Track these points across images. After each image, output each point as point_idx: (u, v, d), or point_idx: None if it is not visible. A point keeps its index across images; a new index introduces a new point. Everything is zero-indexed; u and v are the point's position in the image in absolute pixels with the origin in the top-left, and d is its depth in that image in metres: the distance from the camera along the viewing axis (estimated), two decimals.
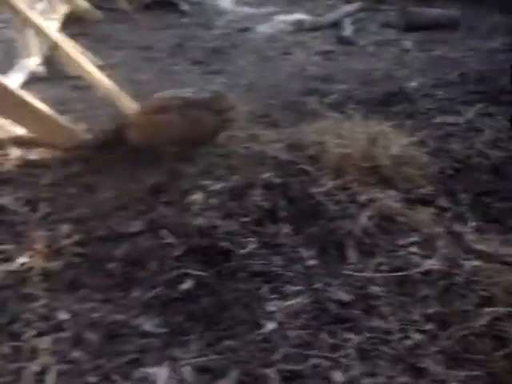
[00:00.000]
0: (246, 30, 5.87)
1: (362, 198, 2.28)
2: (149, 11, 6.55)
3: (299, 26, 5.90)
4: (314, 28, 5.86)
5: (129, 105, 3.17)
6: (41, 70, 4.39)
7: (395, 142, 2.64)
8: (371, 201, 2.25)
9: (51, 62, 4.47)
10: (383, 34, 5.57)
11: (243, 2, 7.22)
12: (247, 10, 6.99)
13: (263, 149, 2.68)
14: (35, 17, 3.16)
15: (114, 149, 2.81)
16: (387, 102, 3.48)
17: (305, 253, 2.03)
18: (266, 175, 2.42)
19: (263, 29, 5.90)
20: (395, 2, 6.12)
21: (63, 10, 6.14)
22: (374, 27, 5.81)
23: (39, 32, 3.17)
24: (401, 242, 2.08)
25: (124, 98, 3.17)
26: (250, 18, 6.44)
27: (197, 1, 6.94)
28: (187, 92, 2.82)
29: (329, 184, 2.36)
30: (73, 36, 4.50)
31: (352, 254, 2.03)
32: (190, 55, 4.92)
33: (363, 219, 2.15)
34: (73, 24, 5.51)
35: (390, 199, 2.28)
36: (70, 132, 2.91)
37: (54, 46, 3.09)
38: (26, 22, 3.28)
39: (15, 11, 3.31)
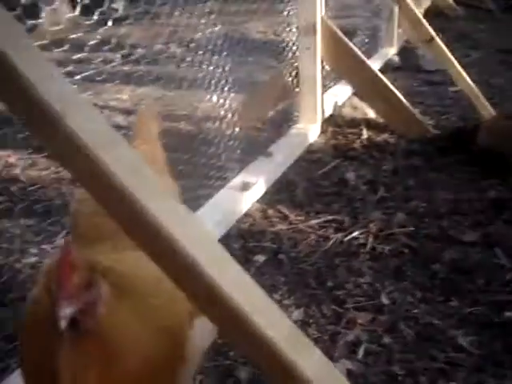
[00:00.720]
0: None
1: None
2: None
3: None
4: None
5: (485, 108, 3.02)
6: (396, 60, 4.55)
7: None
8: None
9: (405, 54, 4.58)
10: None
11: None
12: None
13: None
14: (415, 9, 3.25)
15: (459, 149, 2.73)
16: None
17: None
18: None
19: None
20: None
21: (426, 3, 6.20)
22: None
23: (415, 23, 3.24)
24: None
25: (481, 101, 3.03)
26: None
27: None
28: None
29: None
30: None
31: None
32: None
33: None
34: (432, 18, 5.48)
35: None
36: (418, 124, 2.93)
37: (429, 39, 3.12)
38: (404, 12, 3.38)
39: None
